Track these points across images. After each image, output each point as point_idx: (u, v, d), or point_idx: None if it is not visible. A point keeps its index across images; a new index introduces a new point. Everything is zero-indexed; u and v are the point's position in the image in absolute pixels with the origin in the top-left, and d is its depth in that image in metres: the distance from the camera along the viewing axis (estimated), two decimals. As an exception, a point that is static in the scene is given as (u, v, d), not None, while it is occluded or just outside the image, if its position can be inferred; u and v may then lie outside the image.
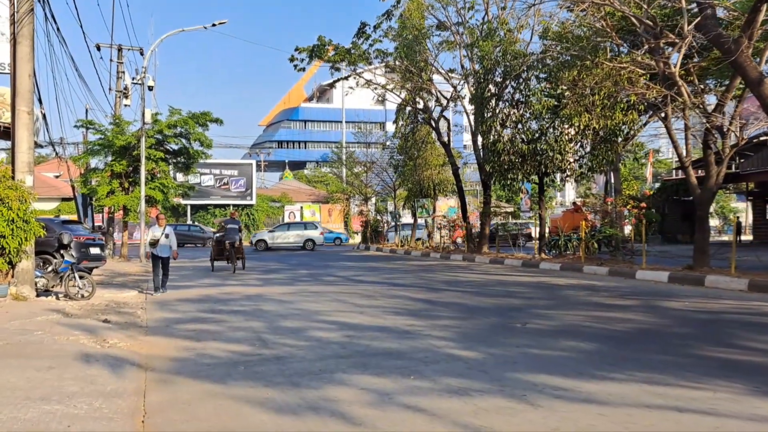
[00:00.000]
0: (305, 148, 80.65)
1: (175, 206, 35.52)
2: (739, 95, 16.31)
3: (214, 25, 24.81)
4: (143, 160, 23.08)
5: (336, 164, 52.81)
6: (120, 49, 26.00)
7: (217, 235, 20.07)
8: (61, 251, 11.63)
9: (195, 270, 19.70)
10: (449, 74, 27.05)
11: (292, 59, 26.67)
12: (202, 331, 8.32)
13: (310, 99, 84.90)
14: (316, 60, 27.51)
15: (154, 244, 12.87)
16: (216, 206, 48.66)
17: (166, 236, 13.00)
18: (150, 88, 24.59)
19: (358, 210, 41.21)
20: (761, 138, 18.36)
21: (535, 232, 26.16)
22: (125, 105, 25.38)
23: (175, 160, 26.31)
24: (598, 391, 5.14)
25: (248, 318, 9.43)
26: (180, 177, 31.08)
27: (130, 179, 24.67)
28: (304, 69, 27.63)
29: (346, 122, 64.92)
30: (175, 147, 25.80)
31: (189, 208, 47.90)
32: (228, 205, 48.67)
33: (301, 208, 51.39)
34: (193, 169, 27.33)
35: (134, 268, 20.06)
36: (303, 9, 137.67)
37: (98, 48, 25.81)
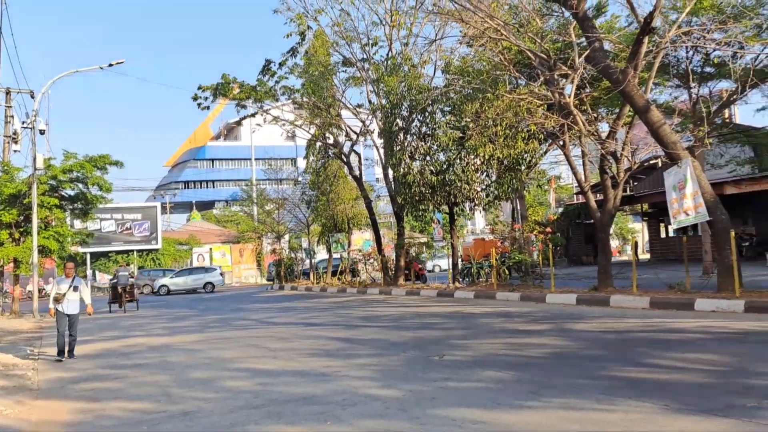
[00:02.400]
0: (213, 187, 78.81)
1: (72, 255, 33.44)
2: (629, 122, 17.29)
3: (111, 65, 23.89)
4: (35, 208, 21.68)
5: (246, 202, 51.75)
6: (8, 92, 24.50)
7: (112, 282, 23.74)
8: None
9: (95, 322, 18.52)
10: (357, 109, 27.26)
11: (195, 98, 26.08)
12: (102, 390, 7.72)
13: (217, 137, 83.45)
14: (221, 98, 27.03)
15: (58, 299, 10.87)
16: (118, 252, 46.35)
17: (75, 289, 11.06)
18: (42, 132, 23.24)
19: (270, 248, 40.46)
20: (651, 161, 19.52)
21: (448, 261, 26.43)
22: (15, 151, 23.80)
23: (71, 207, 24.89)
24: (517, 421, 5.09)
25: (153, 371, 8.85)
26: (78, 224, 29.43)
27: (21, 229, 23.07)
28: (208, 107, 27.09)
29: (256, 159, 64.00)
30: (72, 192, 24.42)
31: (88, 256, 45.35)
32: (131, 251, 46.55)
33: (210, 249, 49.83)
34: (91, 215, 25.96)
35: (27, 325, 18.61)
36: (207, 48, 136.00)
37: (-17, 91, 24.20)
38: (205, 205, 75.02)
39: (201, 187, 79.20)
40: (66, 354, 10.83)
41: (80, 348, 11.96)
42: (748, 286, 12.95)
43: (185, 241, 50.45)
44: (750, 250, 24.40)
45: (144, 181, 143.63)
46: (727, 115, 25.41)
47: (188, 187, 78.36)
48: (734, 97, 17.95)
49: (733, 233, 12.32)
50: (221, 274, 38.13)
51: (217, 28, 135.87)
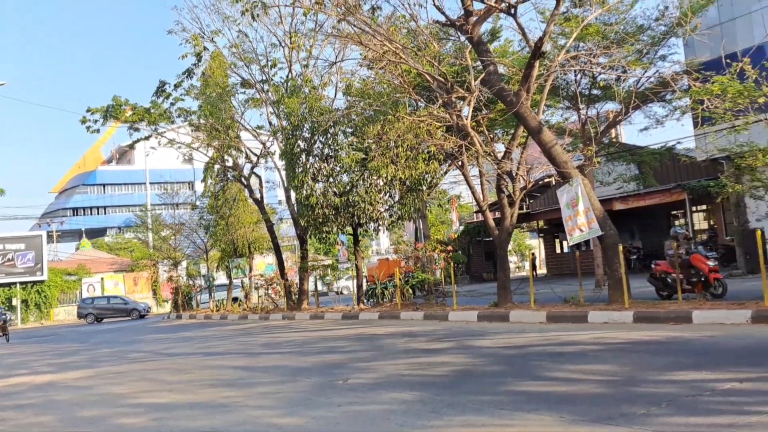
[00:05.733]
0: (105, 213, 75.10)
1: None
2: (523, 143, 17.99)
3: (-11, 85, 22.31)
4: None
5: (141, 229, 49.58)
6: None
7: None
8: None
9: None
10: (257, 131, 26.85)
11: (83, 121, 24.78)
12: (-25, 436, 7.00)
13: (108, 161, 79.78)
14: (112, 121, 25.84)
15: None
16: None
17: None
18: None
19: (167, 276, 38.84)
20: (545, 180, 20.39)
21: (352, 282, 26.38)
22: None
23: (-57, 237, 22.91)
24: (421, 443, 5.02)
25: (38, 412, 8.12)
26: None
27: None
28: (98, 131, 25.79)
29: (151, 183, 61.52)
30: (-57, 221, 22.49)
31: (-35, 290, 41.90)
32: (14, 284, 43.33)
33: (102, 279, 47.15)
34: (-33, 246, 24.02)
35: None
36: (97, 69, 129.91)
37: None
38: (96, 233, 71.23)
39: (91, 213, 75.27)
40: None
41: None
42: (637, 297, 13.66)
43: (74, 271, 47.51)
44: (637, 263, 25.91)
45: (28, 208, 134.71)
46: (613, 135, 27.08)
47: (77, 214, 74.27)
48: (619, 117, 19.15)
49: (621, 247, 12.98)
50: None
51: (108, 48, 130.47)
